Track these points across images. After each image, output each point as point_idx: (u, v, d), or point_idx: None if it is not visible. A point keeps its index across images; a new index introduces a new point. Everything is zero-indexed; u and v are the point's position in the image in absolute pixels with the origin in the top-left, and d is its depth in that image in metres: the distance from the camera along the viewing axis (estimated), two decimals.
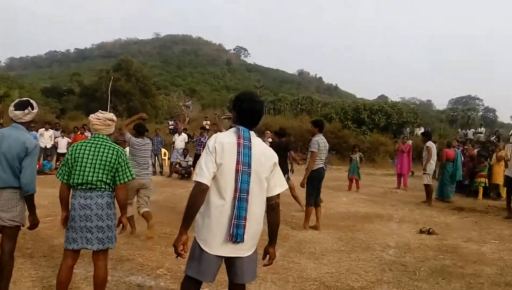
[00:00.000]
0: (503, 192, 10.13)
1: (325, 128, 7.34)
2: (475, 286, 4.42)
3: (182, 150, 14.52)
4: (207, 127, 18.74)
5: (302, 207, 8.05)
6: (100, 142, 3.35)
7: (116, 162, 3.30)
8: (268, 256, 2.80)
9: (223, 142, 2.58)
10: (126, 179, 3.35)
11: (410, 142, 14.17)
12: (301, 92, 65.86)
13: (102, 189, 3.27)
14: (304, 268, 4.80)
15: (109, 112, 4.61)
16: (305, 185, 6.72)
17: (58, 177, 3.35)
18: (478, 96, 72.88)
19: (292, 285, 4.26)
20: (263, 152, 2.67)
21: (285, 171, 8.13)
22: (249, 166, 2.56)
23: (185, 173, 13.56)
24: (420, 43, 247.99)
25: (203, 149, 5.60)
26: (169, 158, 16.13)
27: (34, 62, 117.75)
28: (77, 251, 3.31)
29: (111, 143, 3.38)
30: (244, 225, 2.53)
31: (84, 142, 3.37)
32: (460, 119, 52.15)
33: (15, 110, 3.40)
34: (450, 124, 48.87)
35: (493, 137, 20.64)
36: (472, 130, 27.24)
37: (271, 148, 2.85)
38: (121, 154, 3.36)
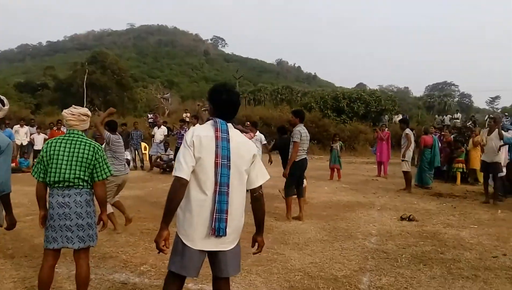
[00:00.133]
0: (480, 177, 10.35)
1: (306, 118, 7.35)
2: (455, 271, 4.51)
3: (162, 144, 14.38)
4: (187, 119, 18.58)
5: (305, 200, 8.16)
6: (75, 138, 3.26)
7: (93, 159, 3.22)
8: (256, 244, 2.82)
9: (201, 136, 2.54)
10: (104, 176, 3.28)
11: (386, 129, 14.36)
12: (280, 82, 65.90)
13: (80, 187, 3.20)
14: (288, 259, 4.82)
15: (86, 106, 4.50)
16: (287, 176, 6.73)
17: (33, 175, 3.26)
18: (453, 82, 74.55)
19: (276, 276, 4.27)
20: (241, 145, 2.65)
21: None
22: (228, 159, 2.54)
23: (167, 167, 13.44)
24: (397, 31, 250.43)
25: None
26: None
27: (6, 57, 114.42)
28: (58, 250, 3.25)
29: (87, 139, 3.30)
30: (226, 219, 2.52)
31: (58, 138, 3.28)
32: (437, 106, 53.15)
33: None
34: (427, 110, 49.74)
35: (469, 123, 21.04)
36: (449, 116, 27.82)
37: (249, 140, 2.82)
38: (98, 150, 3.28)
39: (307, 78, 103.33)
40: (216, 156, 2.51)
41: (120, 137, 6.14)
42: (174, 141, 14.52)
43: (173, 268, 2.62)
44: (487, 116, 24.93)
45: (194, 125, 10.75)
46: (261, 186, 2.72)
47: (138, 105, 45.11)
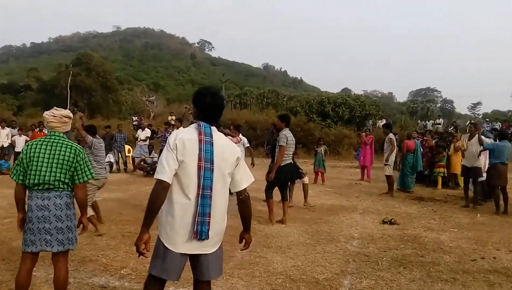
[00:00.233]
0: (461, 181, 10.52)
1: (291, 122, 7.41)
2: (435, 274, 4.58)
3: (146, 146, 14.28)
4: (172, 122, 18.48)
5: (308, 204, 8.20)
6: (56, 140, 3.23)
7: (75, 161, 3.20)
8: (244, 241, 2.86)
9: (184, 139, 2.54)
10: (85, 178, 3.26)
11: (364, 134, 14.55)
12: (266, 86, 65.95)
13: (60, 189, 3.17)
14: (271, 262, 4.84)
15: (70, 108, 4.47)
16: (272, 179, 6.75)
17: (12, 178, 3.22)
18: (436, 88, 75.69)
19: (258, 279, 4.28)
20: (225, 148, 2.66)
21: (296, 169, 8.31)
22: (212, 162, 2.54)
23: (151, 170, 13.33)
24: (382, 37, 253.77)
25: None
26: None
27: None
28: (36, 253, 3.21)
29: (68, 141, 3.27)
30: (209, 222, 2.52)
31: (39, 140, 3.25)
32: (420, 111, 53.78)
33: None
34: (410, 115, 50.28)
35: (451, 128, 21.43)
36: (431, 121, 28.24)
37: (233, 144, 2.84)
38: (80, 153, 3.26)
39: (293, 82, 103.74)
40: (200, 160, 2.52)
41: (102, 140, 6.16)
42: (158, 144, 14.44)
43: (154, 272, 2.60)
44: (468, 122, 25.37)
45: (177, 128, 10.73)
46: (246, 188, 2.74)
47: (123, 107, 44.71)
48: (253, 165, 8.58)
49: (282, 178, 6.82)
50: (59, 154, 3.17)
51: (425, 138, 13.46)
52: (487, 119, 32.41)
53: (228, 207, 2.72)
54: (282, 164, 6.70)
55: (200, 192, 2.50)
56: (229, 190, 2.72)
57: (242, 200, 2.74)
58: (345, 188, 11.50)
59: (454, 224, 7.13)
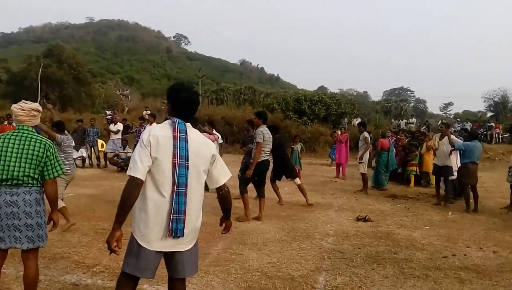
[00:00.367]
0: (433, 179, 10.76)
1: (268, 119, 7.40)
2: (407, 270, 4.66)
3: (119, 140, 14.02)
4: (147, 117, 18.22)
5: (307, 201, 8.24)
6: (25, 135, 3.12)
7: (44, 156, 3.10)
8: (224, 225, 2.92)
9: (158, 135, 2.50)
10: (56, 174, 3.16)
11: (339, 132, 14.74)
12: (243, 82, 65.89)
13: (29, 185, 3.07)
14: (247, 259, 4.82)
15: (40, 100, 4.32)
16: (249, 176, 6.73)
17: None
18: (410, 87, 77.27)
19: (234, 276, 4.26)
20: (201, 144, 2.63)
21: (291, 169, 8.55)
22: (186, 159, 2.51)
23: (124, 165, 13.10)
24: (358, 36, 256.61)
25: None
26: None
27: None
28: (5, 250, 3.13)
29: (37, 136, 3.16)
30: (184, 219, 2.49)
31: (7, 134, 3.13)
32: (394, 110, 54.76)
33: None
34: (384, 114, 51.16)
35: (423, 127, 21.86)
36: (404, 120, 28.80)
37: (209, 140, 2.80)
38: (50, 147, 3.15)
39: (270, 79, 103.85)
40: (174, 156, 2.48)
41: (70, 137, 6.07)
42: (133, 139, 14.21)
43: (127, 269, 2.55)
44: (440, 122, 25.98)
45: (151, 124, 10.57)
46: (225, 183, 2.74)
47: (96, 101, 43.88)
48: None
49: (259, 174, 6.82)
50: (28, 149, 3.06)
51: (398, 137, 13.70)
52: (458, 119, 33.32)
53: (203, 204, 2.70)
54: (259, 160, 6.70)
55: (175, 190, 2.47)
56: (204, 187, 2.69)
57: (222, 196, 2.75)
58: (320, 185, 11.59)
59: (426, 222, 7.28)
